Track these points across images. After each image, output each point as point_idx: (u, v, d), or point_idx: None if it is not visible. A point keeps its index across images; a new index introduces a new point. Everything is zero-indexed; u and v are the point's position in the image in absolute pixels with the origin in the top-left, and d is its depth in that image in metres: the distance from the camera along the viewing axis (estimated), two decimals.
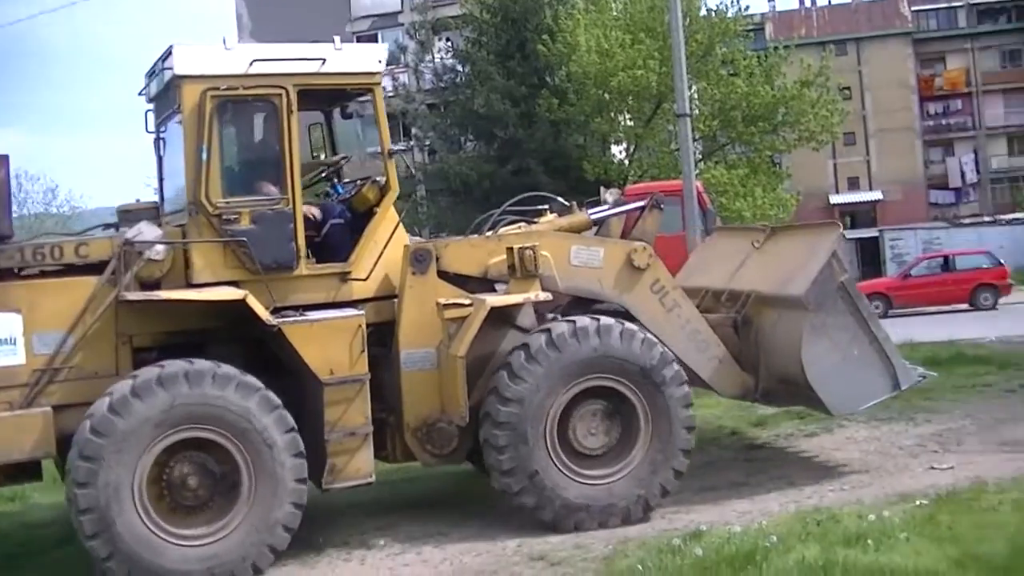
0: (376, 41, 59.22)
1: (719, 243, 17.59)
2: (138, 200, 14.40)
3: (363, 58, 12.88)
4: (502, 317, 12.80)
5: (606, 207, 15.13)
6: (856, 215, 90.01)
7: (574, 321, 12.55)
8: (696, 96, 46.19)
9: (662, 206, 15.17)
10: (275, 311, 11.87)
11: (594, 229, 14.73)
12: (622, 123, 49.65)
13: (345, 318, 12.14)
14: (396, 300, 12.82)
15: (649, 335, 12.81)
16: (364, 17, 72.96)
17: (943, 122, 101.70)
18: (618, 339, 12.51)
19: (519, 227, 14.10)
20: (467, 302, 12.56)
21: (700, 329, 13.81)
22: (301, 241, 12.22)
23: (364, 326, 12.15)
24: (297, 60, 12.37)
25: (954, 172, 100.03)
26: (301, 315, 12.03)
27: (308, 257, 12.34)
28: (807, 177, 78.16)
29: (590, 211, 14.79)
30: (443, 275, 12.89)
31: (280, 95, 12.10)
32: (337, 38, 12.77)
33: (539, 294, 12.77)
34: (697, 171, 37.90)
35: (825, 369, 13.25)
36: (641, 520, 12.47)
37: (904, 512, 11.46)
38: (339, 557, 12.19)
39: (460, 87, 57.07)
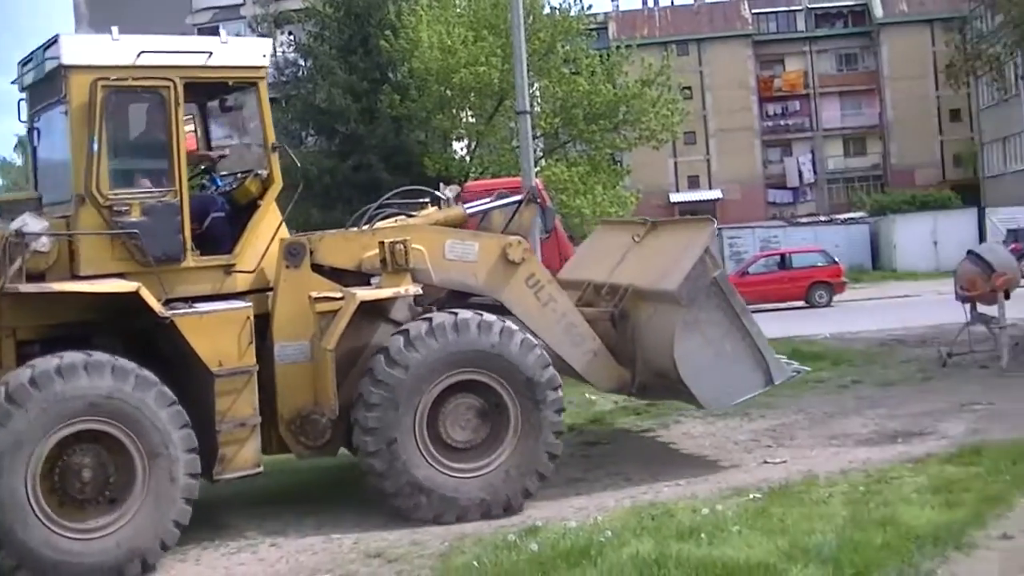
0: (216, 34, 58.60)
1: (604, 236, 17.78)
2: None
3: (248, 51, 13.03)
4: (375, 310, 12.89)
5: (486, 201, 15.28)
6: (695, 213, 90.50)
7: (481, 314, 12.71)
8: (538, 94, 46.29)
9: (539, 200, 15.25)
10: (164, 303, 11.81)
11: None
12: (464, 120, 49.47)
13: (235, 310, 12.20)
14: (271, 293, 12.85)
15: (546, 352, 13.01)
16: (205, 9, 72.22)
17: (781, 123, 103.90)
18: (517, 345, 12.71)
19: (396, 221, 14.14)
20: (338, 295, 12.65)
21: (576, 323, 14.00)
22: (187, 233, 12.22)
23: (252, 318, 12.17)
24: (184, 52, 12.46)
25: (792, 172, 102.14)
26: (191, 307, 12.04)
27: (193, 249, 12.30)
28: (648, 175, 78.95)
29: (467, 205, 14.80)
30: (318, 268, 12.96)
31: (168, 87, 12.12)
32: (223, 31, 12.82)
33: (410, 288, 12.84)
34: (538, 168, 37.98)
35: (698, 365, 13.46)
36: (477, 521, 12.49)
37: (737, 506, 11.72)
38: (175, 557, 11.89)
39: (301, 81, 56.48)
